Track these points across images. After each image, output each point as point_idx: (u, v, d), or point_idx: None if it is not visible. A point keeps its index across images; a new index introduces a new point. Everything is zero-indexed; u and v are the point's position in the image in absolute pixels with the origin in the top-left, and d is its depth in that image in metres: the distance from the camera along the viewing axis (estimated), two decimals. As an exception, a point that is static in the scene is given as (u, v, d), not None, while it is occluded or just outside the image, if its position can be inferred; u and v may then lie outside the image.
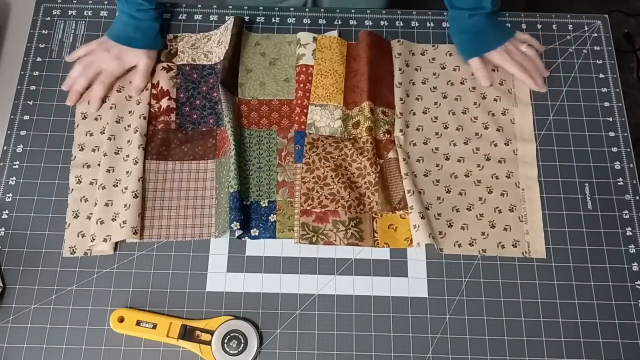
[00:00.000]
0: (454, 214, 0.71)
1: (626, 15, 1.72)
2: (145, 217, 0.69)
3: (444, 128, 0.75)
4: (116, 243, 0.69)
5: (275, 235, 0.69)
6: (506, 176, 0.73)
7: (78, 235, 0.69)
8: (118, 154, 0.72)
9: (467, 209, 0.71)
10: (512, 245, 0.69)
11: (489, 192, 0.72)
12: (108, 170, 0.71)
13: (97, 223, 0.68)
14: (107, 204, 0.69)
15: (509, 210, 0.71)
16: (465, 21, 0.77)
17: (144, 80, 0.76)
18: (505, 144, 0.75)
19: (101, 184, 0.70)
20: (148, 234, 0.69)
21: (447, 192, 0.72)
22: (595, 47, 0.81)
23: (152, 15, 0.76)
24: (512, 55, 0.77)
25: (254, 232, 0.69)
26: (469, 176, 0.73)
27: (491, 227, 0.70)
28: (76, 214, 0.69)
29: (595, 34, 0.82)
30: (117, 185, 0.70)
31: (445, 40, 0.81)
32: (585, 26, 0.82)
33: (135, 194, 0.69)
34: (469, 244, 0.69)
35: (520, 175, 0.73)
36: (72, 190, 0.71)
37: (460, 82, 0.78)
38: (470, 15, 0.77)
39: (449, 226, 0.70)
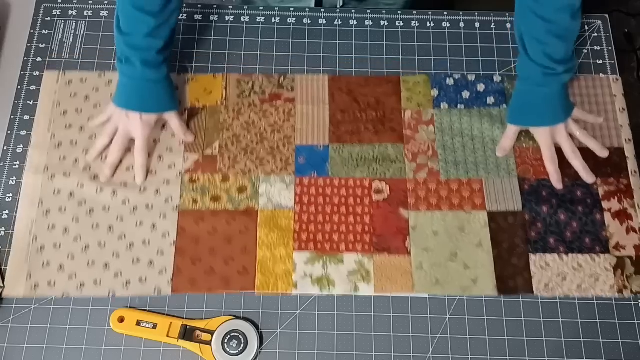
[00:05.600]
0: None
1: (626, 15, 1.71)
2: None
3: None
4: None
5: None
6: None
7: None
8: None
9: None
10: None
11: None
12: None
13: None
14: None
15: None
16: (553, 85, 0.70)
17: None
18: None
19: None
20: None
21: None
22: (596, 47, 0.81)
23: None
24: (558, 139, 0.72)
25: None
26: None
27: None
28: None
29: (596, 34, 0.82)
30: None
31: (446, 40, 0.81)
32: (586, 26, 0.82)
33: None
34: None
35: None
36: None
37: None
38: (560, 82, 0.71)
39: None
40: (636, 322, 0.66)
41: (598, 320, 0.66)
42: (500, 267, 0.68)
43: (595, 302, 0.67)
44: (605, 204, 0.71)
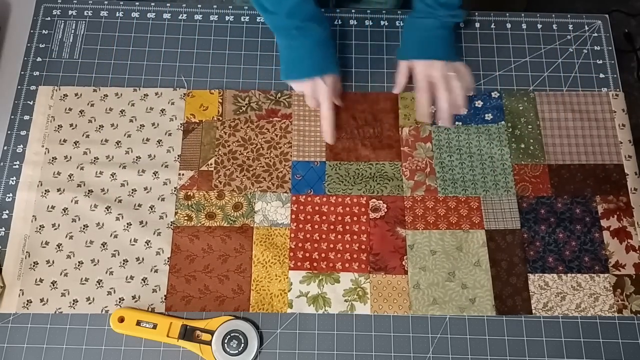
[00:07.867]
0: None
1: (626, 15, 1.72)
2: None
3: None
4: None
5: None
6: None
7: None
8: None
9: None
10: None
11: None
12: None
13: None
14: None
15: None
16: (436, 21, 0.74)
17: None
18: None
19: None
20: None
21: None
22: (596, 47, 0.81)
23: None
24: (433, 73, 0.74)
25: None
26: None
27: None
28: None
29: (596, 34, 0.82)
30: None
31: (446, 40, 0.81)
32: (586, 26, 0.82)
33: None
34: None
35: None
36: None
37: None
38: (442, 21, 0.73)
39: None
40: (636, 322, 0.66)
41: (598, 321, 0.66)
42: (498, 287, 0.67)
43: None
44: (604, 222, 0.70)
